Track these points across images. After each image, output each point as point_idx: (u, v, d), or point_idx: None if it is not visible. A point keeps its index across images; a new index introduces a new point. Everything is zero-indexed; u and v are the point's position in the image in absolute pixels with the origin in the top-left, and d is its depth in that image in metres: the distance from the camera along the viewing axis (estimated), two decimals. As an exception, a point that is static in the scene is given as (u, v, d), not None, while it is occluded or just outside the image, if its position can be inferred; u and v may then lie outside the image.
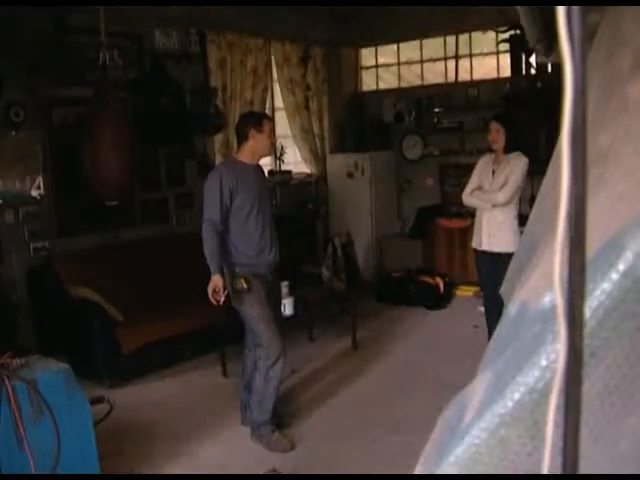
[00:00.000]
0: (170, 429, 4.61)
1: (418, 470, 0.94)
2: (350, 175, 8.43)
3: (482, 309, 5.73)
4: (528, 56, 7.08)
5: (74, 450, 3.47)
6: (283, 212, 7.80)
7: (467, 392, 0.92)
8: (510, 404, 0.66)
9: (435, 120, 8.47)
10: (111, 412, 3.91)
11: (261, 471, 3.94)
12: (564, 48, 0.48)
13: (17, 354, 3.44)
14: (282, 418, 4.53)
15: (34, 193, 5.83)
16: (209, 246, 4.12)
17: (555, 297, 0.54)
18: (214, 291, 4.10)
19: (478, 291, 6.84)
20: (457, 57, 8.33)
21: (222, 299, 4.15)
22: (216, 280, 4.09)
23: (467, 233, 6.78)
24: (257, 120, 4.29)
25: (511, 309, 1.05)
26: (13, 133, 5.60)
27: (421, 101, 8.53)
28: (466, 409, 0.82)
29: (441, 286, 7.47)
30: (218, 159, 7.13)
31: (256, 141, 4.25)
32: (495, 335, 1.08)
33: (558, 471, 0.53)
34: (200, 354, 5.84)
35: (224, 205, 4.14)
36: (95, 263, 5.79)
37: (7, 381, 3.20)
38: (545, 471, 0.55)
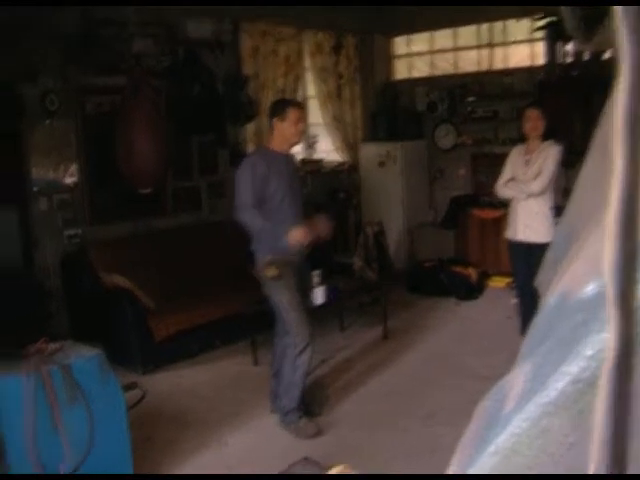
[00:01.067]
0: (200, 416, 4.65)
1: (453, 463, 0.93)
2: (382, 164, 8.39)
3: (515, 300, 5.68)
4: (564, 44, 6.96)
5: (107, 435, 3.51)
6: (314, 201, 7.79)
7: (505, 383, 0.90)
8: (553, 394, 0.65)
9: (468, 109, 8.39)
10: (144, 399, 3.94)
11: (291, 458, 3.95)
12: (621, 29, 0.46)
13: (52, 340, 3.50)
14: (311, 406, 4.54)
15: (68, 181, 5.89)
16: (255, 222, 4.15)
17: (603, 284, 0.52)
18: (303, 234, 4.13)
19: (511, 282, 6.77)
20: (491, 45, 8.24)
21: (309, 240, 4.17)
22: (297, 230, 4.11)
23: (500, 223, 6.71)
24: (280, 108, 4.31)
25: (549, 299, 1.03)
26: (48, 122, 5.66)
27: (454, 90, 8.44)
28: (506, 400, 0.81)
29: (473, 277, 7.41)
30: (250, 148, 7.14)
31: (280, 129, 4.28)
32: (533, 326, 1.06)
33: (604, 463, 0.52)
34: (231, 342, 5.87)
35: (256, 194, 4.15)
36: (128, 251, 5.84)
37: (42, 366, 3.25)
38: (591, 463, 0.54)
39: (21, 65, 5.33)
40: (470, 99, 8.32)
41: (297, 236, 4.13)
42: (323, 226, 4.34)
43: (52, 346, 3.39)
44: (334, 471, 2.13)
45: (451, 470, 0.96)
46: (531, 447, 0.66)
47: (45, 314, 5.33)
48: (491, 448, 0.68)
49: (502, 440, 0.67)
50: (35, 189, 5.67)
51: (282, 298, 4.24)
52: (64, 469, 3.31)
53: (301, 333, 4.22)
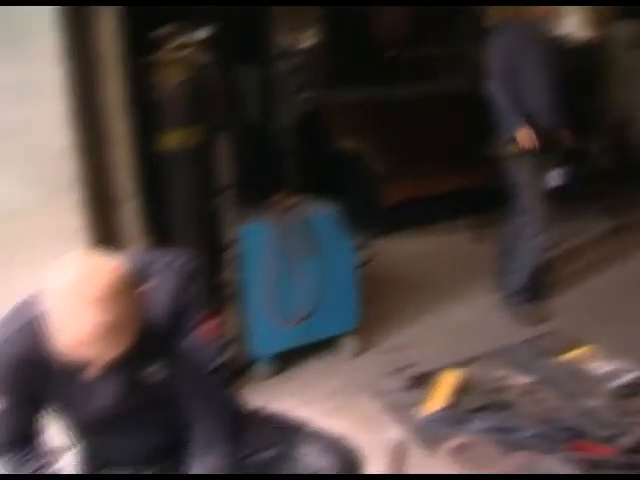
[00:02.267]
0: (421, 286, 4.70)
1: None
2: (636, 45, 7.62)
3: None
4: None
5: (336, 290, 3.65)
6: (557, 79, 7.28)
7: None
8: None
9: None
10: (371, 261, 4.02)
11: (510, 339, 3.87)
12: None
13: (291, 194, 3.62)
14: (538, 291, 4.39)
15: (307, 44, 5.93)
16: (501, 94, 3.98)
17: None
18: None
19: None
20: None
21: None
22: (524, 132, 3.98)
23: None
24: None
25: None
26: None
27: None
28: None
29: None
30: (495, 19, 6.74)
31: None
32: None
33: None
34: (456, 217, 5.78)
35: (502, 66, 3.95)
36: (362, 116, 5.82)
37: (284, 217, 3.40)
38: None
39: None
40: None
41: (524, 139, 3.97)
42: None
43: (293, 200, 3.52)
44: (580, 351, 2.05)
45: None
46: None
47: (282, 171, 5.52)
48: None
49: None
50: (274, 52, 5.76)
51: (522, 177, 4.09)
52: (296, 317, 3.50)
53: (539, 215, 4.09)
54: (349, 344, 3.85)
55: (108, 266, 1.41)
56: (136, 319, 1.44)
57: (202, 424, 1.71)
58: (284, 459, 1.86)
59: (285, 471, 1.86)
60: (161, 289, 1.63)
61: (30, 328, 1.53)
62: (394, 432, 1.85)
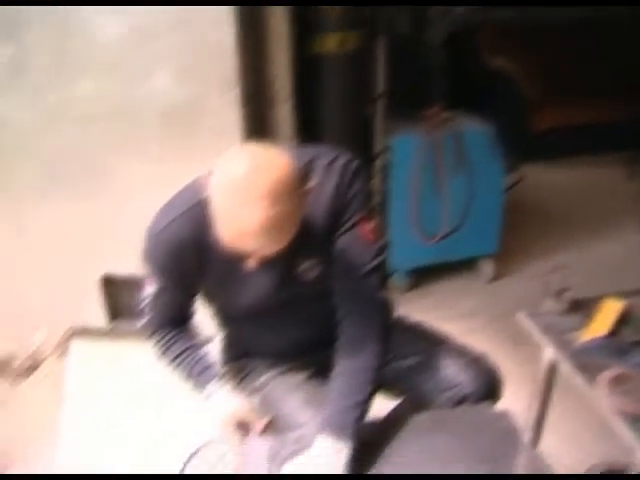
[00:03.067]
0: (565, 217, 4.56)
1: None
2: None
3: None
4: None
5: (481, 211, 3.57)
6: None
7: None
8: None
9: None
10: (518, 183, 3.88)
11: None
12: None
13: (444, 109, 3.51)
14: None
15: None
16: None
17: None
18: None
19: None
20: None
21: None
22: None
23: None
24: None
25: None
26: None
27: None
28: None
29: None
30: None
31: None
32: None
33: None
34: (609, 150, 5.47)
35: None
36: (517, 36, 5.53)
37: (436, 131, 3.32)
38: None
39: None
40: None
41: None
42: None
43: (446, 115, 3.42)
44: None
45: None
46: None
47: (436, 85, 5.38)
48: None
49: None
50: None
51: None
52: (439, 234, 3.46)
53: None
54: (487, 267, 3.79)
55: (277, 162, 1.39)
56: (299, 216, 1.43)
57: (355, 323, 1.71)
58: (425, 368, 1.85)
59: (424, 380, 1.85)
60: (323, 187, 1.61)
61: (194, 213, 1.55)
62: (547, 355, 1.79)
